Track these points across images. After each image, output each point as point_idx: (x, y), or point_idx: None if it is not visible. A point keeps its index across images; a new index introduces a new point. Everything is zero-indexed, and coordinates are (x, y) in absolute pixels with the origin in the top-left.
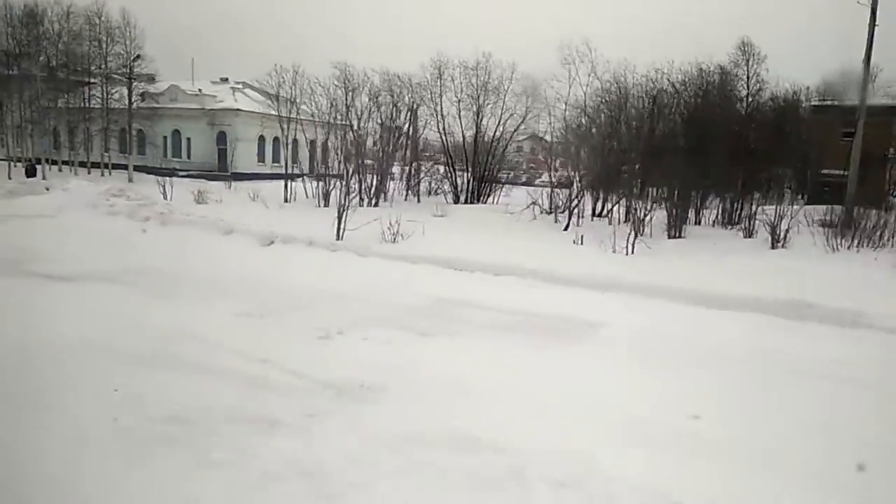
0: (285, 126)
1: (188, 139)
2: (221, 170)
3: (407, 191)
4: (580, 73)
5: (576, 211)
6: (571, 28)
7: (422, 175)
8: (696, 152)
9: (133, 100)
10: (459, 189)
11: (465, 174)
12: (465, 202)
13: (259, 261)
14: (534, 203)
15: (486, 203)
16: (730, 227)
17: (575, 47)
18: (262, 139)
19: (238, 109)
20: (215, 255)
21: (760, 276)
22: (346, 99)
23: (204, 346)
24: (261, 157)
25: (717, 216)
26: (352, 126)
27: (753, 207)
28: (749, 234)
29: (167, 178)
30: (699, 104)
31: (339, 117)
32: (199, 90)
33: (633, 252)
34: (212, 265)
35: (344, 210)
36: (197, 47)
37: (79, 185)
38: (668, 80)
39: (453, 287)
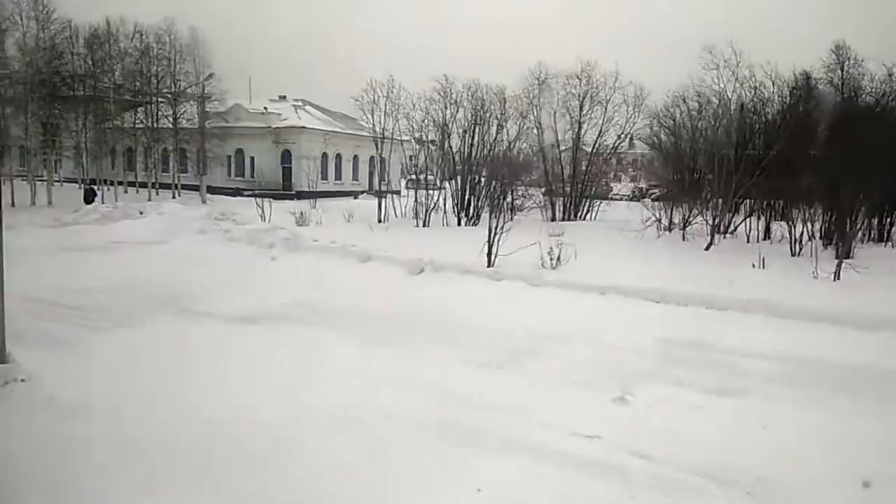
0: (352, 143)
1: (252, 158)
2: (286, 188)
3: (492, 208)
4: (722, 77)
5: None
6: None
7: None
8: (842, 164)
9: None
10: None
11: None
12: (564, 219)
13: (425, 292)
14: (657, 220)
15: (585, 219)
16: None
17: (720, 51)
18: (325, 156)
19: (303, 127)
20: (374, 286)
21: None
22: (445, 113)
23: (489, 413)
24: (324, 175)
25: (869, 233)
26: (449, 139)
27: None
28: None
29: (262, 199)
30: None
31: (435, 131)
32: (265, 108)
33: (839, 277)
34: (381, 299)
35: (496, 234)
36: (250, 66)
37: (173, 208)
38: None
39: (674, 325)
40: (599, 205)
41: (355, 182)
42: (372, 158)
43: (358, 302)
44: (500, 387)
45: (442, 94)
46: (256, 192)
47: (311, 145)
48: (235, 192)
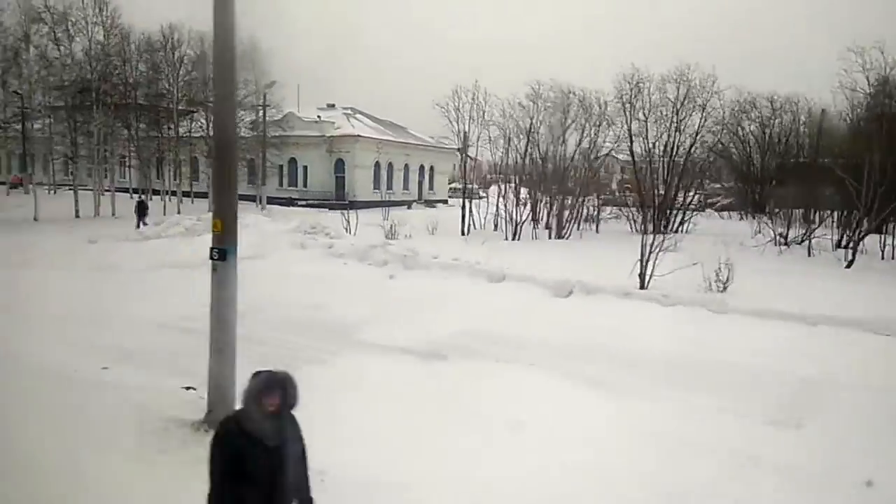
0: (403, 152)
1: (305, 167)
2: (339, 198)
3: (572, 221)
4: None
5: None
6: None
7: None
8: None
9: (260, 128)
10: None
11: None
12: (656, 231)
13: (596, 319)
14: (779, 234)
15: (678, 232)
16: None
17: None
18: (377, 165)
19: (358, 135)
20: (532, 311)
21: None
22: (534, 118)
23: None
24: (376, 185)
25: None
26: (537, 146)
27: None
28: None
29: (347, 211)
30: None
31: (519, 138)
32: (318, 117)
33: None
34: (551, 326)
35: (652, 252)
36: (295, 74)
37: (256, 220)
38: None
39: None
40: (692, 216)
41: (406, 191)
42: (421, 167)
43: (529, 332)
44: (825, 454)
45: (533, 98)
46: (311, 202)
47: (366, 154)
48: (289, 202)
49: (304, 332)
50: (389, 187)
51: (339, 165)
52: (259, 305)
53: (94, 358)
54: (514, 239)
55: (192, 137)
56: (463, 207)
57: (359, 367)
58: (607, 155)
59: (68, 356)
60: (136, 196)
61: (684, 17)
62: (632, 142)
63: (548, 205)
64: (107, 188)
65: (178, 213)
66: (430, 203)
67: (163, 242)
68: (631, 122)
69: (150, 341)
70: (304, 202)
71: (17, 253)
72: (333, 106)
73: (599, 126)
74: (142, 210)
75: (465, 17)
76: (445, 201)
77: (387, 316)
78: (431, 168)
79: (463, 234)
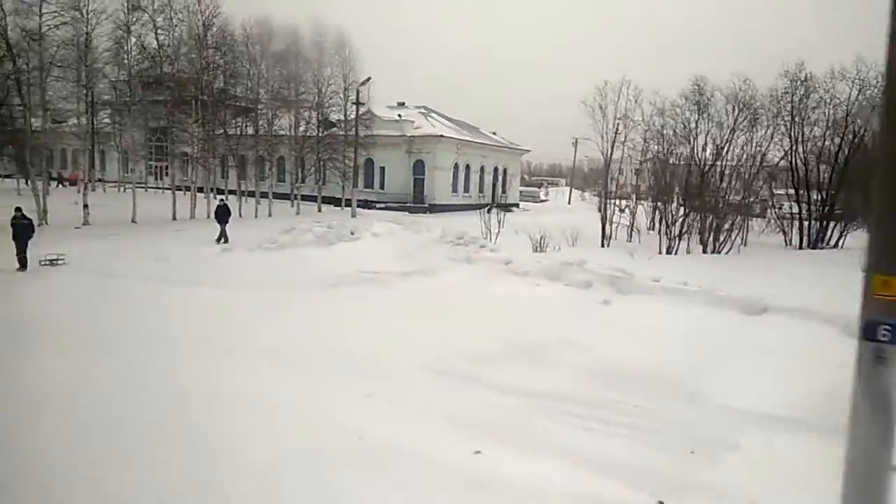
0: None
1: (382, 168)
2: (417, 201)
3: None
4: None
5: None
6: None
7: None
8: None
9: (348, 128)
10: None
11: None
12: (807, 246)
13: None
14: None
15: (840, 247)
16: None
17: None
18: (455, 167)
19: (441, 136)
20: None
21: None
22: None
23: None
24: (454, 187)
25: None
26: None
27: None
28: None
29: (487, 218)
30: None
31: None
32: (399, 116)
33: None
34: None
35: None
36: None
37: (388, 228)
38: None
39: None
40: (846, 228)
41: (481, 195)
42: (496, 169)
43: None
44: None
45: (695, 95)
46: (390, 204)
47: (446, 155)
48: (366, 205)
49: (631, 388)
50: (466, 190)
51: (418, 166)
52: (512, 347)
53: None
54: (668, 253)
55: (279, 137)
56: (603, 217)
57: (797, 456)
58: (776, 165)
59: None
60: (216, 198)
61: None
62: (794, 146)
63: (699, 216)
64: (199, 187)
65: (298, 213)
66: (506, 207)
67: (301, 252)
68: (802, 125)
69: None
70: (382, 205)
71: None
72: (404, 104)
73: (767, 130)
74: (223, 215)
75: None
76: (517, 205)
77: (694, 364)
78: (505, 170)
79: (602, 245)
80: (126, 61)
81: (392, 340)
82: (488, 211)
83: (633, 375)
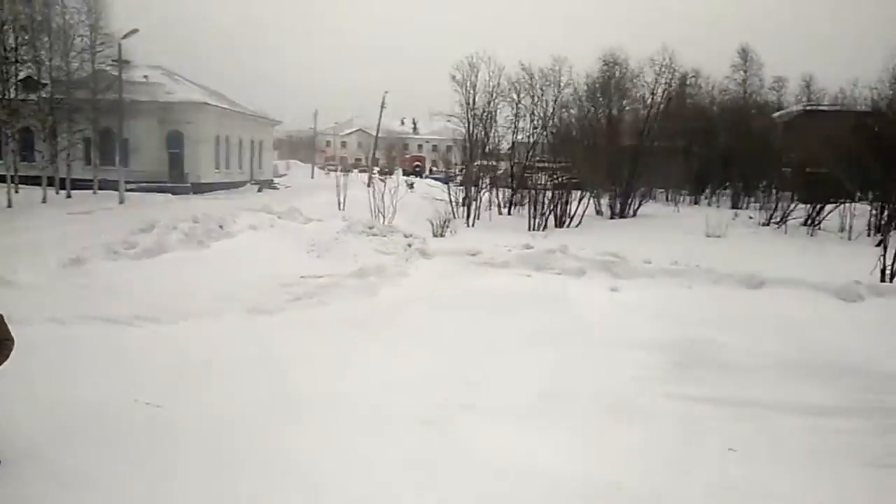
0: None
1: (125, 140)
2: (176, 179)
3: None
4: None
5: None
6: None
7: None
8: None
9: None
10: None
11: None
12: (616, 216)
13: None
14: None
15: (634, 216)
16: None
17: None
18: (216, 140)
19: (205, 103)
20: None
21: None
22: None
23: None
24: (216, 164)
25: None
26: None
27: None
28: None
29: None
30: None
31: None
32: (145, 77)
33: None
34: None
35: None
36: None
37: (260, 219)
38: None
39: None
40: (641, 200)
41: (240, 171)
42: (252, 142)
43: None
44: None
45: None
46: (144, 184)
47: (209, 126)
48: (111, 186)
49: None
50: (227, 166)
51: (174, 139)
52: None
53: None
54: (543, 229)
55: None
56: (467, 194)
57: None
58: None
59: None
60: None
61: None
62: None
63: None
64: None
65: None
66: (270, 184)
67: (191, 255)
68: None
69: None
70: (132, 185)
71: None
72: (129, 62)
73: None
74: None
75: None
76: (271, 181)
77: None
78: (261, 143)
79: (469, 224)
80: None
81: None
82: (259, 190)
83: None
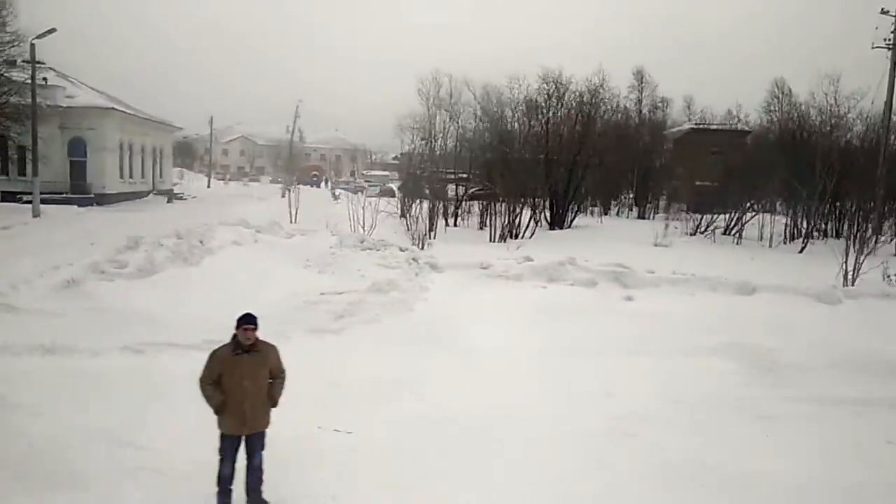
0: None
1: (21, 148)
2: (78, 190)
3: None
4: None
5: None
6: None
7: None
8: None
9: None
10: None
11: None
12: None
13: None
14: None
15: (571, 227)
16: None
17: None
18: (120, 147)
19: (112, 108)
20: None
21: None
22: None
23: None
24: (121, 173)
25: None
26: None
27: None
28: None
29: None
30: None
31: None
32: (44, 80)
33: None
34: None
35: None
36: None
37: (241, 234)
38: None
39: None
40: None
41: (143, 180)
42: (154, 150)
43: None
44: None
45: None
46: (43, 196)
47: (114, 133)
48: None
49: None
50: (131, 175)
51: (76, 146)
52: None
53: None
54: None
55: None
56: (432, 208)
57: None
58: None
59: None
60: None
61: None
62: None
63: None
64: None
65: None
66: (175, 195)
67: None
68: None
69: None
70: (28, 197)
71: None
72: (15, 63)
73: None
74: None
75: None
76: (172, 191)
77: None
78: (161, 151)
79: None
80: None
81: None
82: (169, 200)
83: None
